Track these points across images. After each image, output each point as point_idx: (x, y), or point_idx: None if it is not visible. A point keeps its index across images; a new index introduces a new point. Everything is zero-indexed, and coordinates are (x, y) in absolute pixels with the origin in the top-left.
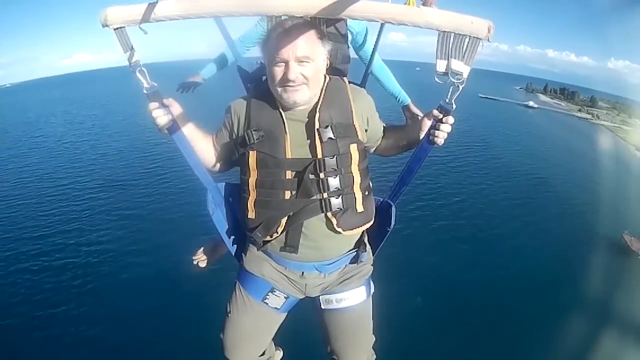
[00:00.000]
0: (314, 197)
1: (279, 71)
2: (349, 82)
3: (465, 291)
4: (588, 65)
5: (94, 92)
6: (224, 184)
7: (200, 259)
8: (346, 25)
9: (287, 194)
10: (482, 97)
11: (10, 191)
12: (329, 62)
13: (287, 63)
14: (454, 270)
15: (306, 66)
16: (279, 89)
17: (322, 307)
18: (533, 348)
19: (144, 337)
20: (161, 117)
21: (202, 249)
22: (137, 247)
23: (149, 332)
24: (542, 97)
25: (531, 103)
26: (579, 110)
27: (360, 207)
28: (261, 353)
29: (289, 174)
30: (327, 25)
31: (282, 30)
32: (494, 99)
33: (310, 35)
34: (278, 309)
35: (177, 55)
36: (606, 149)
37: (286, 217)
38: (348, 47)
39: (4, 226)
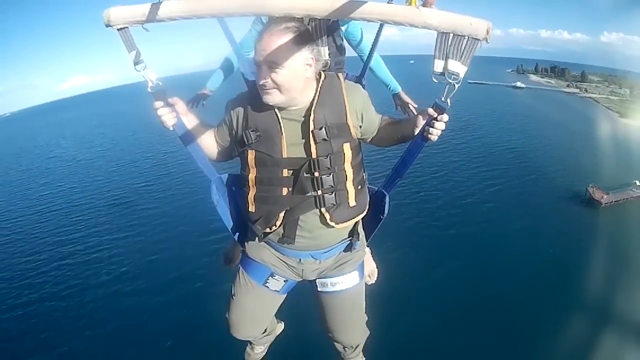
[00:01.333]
0: (309, 194)
1: (257, 72)
2: (346, 79)
3: (444, 245)
4: (581, 42)
5: (97, 113)
6: (227, 175)
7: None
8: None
9: (284, 191)
10: (471, 83)
11: (39, 206)
12: (319, 62)
13: (260, 66)
14: (433, 229)
15: (277, 72)
16: (259, 90)
17: (318, 289)
18: (502, 291)
19: (169, 303)
20: (166, 115)
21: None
22: (160, 237)
23: (173, 299)
24: (533, 77)
25: (519, 84)
26: (567, 86)
27: (352, 202)
28: (263, 330)
29: (286, 172)
30: (327, 31)
31: (261, 35)
32: (483, 84)
33: (284, 41)
34: (278, 291)
35: (172, 70)
36: (590, 118)
37: (284, 212)
38: (342, 39)
39: (41, 233)
